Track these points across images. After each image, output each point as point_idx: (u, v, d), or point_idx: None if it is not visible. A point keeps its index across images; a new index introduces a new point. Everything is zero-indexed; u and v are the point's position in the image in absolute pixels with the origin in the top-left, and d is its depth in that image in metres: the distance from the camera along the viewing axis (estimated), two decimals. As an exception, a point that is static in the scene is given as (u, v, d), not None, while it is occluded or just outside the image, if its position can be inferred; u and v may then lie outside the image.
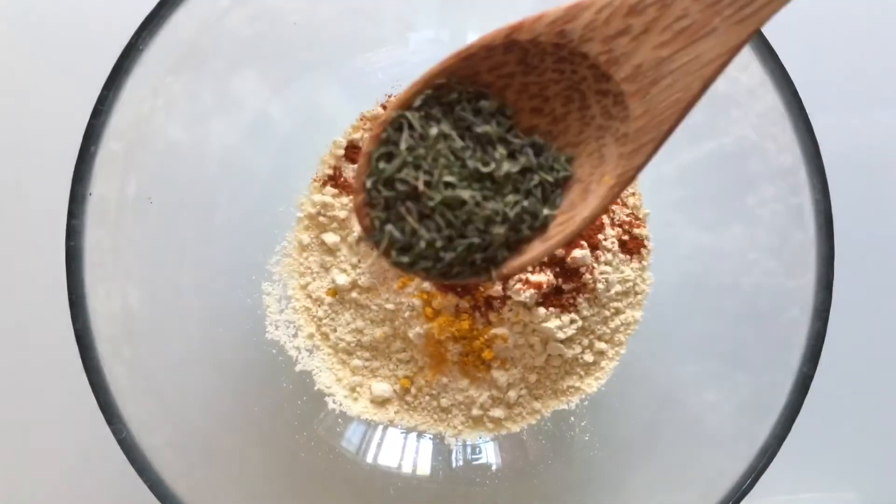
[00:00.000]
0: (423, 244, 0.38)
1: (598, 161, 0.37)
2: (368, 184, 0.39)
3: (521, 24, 0.34)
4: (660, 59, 0.34)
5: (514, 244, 0.39)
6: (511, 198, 0.38)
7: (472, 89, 0.38)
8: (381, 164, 0.38)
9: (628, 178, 0.37)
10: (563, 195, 0.39)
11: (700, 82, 0.34)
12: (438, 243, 0.37)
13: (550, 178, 0.39)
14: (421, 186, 0.37)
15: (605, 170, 0.37)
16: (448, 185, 0.37)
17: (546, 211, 0.39)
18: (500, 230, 0.37)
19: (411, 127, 0.38)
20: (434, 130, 0.37)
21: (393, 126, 0.38)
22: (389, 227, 0.38)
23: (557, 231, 0.38)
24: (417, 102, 0.38)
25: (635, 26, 0.33)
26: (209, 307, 0.63)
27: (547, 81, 0.36)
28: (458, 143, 0.37)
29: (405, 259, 0.39)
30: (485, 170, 0.37)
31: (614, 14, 0.33)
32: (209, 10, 0.56)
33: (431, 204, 0.37)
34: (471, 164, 0.37)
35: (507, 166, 0.37)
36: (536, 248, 0.39)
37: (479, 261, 0.39)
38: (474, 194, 0.37)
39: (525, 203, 0.38)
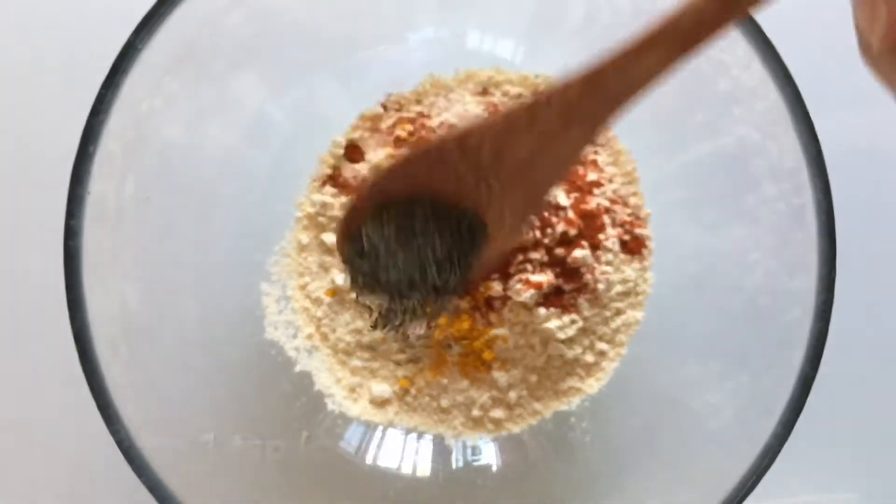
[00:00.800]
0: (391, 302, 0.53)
1: (500, 218, 0.49)
2: (349, 260, 0.53)
3: (435, 145, 0.46)
4: (533, 154, 0.43)
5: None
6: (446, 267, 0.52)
7: (405, 200, 0.49)
8: (354, 258, 0.52)
9: (514, 240, 0.57)
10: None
11: (564, 167, 0.46)
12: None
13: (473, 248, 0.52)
14: (382, 274, 0.51)
15: (504, 226, 0.49)
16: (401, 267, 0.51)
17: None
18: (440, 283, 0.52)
19: (368, 235, 0.51)
20: (385, 232, 0.50)
21: (357, 231, 0.51)
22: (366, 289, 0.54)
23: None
24: (370, 217, 0.50)
25: (512, 140, 0.43)
26: (208, 307, 0.63)
27: (457, 167, 0.46)
28: (404, 236, 0.50)
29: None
30: (424, 257, 0.51)
31: (497, 134, 0.43)
32: (208, 9, 0.56)
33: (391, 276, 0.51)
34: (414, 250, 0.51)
35: (439, 252, 0.51)
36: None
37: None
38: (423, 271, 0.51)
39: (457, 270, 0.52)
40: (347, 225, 0.51)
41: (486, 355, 0.65)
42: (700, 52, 0.38)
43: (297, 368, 0.67)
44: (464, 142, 0.44)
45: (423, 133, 0.66)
